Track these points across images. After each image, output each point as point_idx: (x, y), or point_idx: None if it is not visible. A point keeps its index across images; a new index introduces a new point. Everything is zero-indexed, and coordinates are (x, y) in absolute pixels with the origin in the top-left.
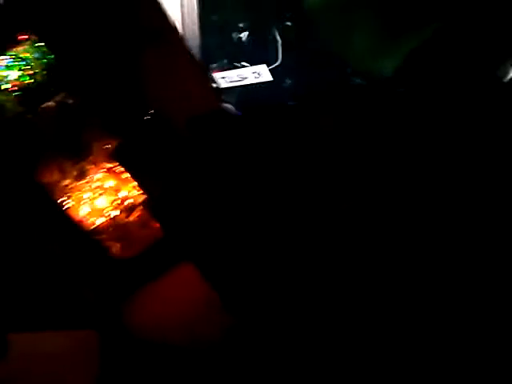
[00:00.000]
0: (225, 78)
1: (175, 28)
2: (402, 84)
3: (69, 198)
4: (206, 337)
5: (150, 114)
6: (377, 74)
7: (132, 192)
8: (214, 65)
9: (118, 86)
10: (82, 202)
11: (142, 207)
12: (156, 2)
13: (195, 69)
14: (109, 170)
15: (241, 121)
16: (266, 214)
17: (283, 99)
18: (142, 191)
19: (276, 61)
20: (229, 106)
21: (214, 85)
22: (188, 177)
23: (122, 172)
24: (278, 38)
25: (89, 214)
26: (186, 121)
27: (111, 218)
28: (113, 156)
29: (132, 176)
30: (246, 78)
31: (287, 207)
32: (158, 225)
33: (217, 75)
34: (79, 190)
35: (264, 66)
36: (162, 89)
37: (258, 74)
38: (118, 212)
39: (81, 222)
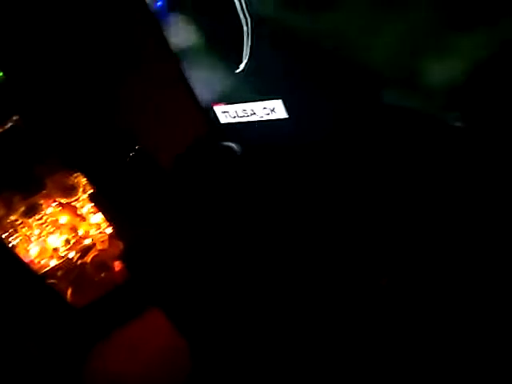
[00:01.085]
0: (226, 113)
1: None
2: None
3: (16, 235)
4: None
5: (136, 151)
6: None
7: (89, 231)
8: (216, 97)
9: (93, 119)
10: (32, 240)
11: (97, 248)
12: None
13: (184, 100)
14: (64, 206)
15: (240, 161)
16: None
17: (300, 140)
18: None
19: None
20: (230, 144)
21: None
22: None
23: (79, 208)
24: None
25: (39, 254)
26: (173, 157)
27: (65, 260)
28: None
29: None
30: (253, 113)
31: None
32: (117, 268)
33: (217, 109)
34: (29, 227)
35: (279, 101)
36: (146, 122)
37: (271, 110)
38: (73, 253)
39: (30, 263)
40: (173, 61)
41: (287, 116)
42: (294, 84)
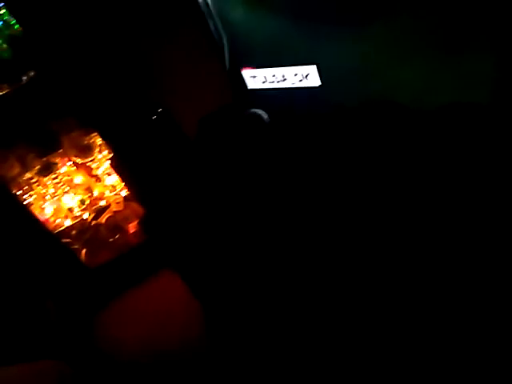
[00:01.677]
0: (256, 78)
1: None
2: None
3: (31, 194)
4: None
5: (159, 113)
6: None
7: (104, 192)
8: (248, 60)
9: (113, 78)
10: (46, 199)
11: (112, 210)
12: None
13: (212, 63)
14: (79, 166)
15: (267, 129)
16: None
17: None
18: (115, 192)
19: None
20: (258, 111)
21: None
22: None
23: (95, 168)
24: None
25: (54, 213)
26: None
27: (80, 220)
28: (112, 165)
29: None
30: (285, 79)
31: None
32: (132, 231)
33: (246, 73)
34: (44, 186)
35: (314, 66)
36: (174, 85)
37: (304, 76)
38: (87, 214)
39: (45, 222)
40: (202, 22)
41: (320, 83)
42: (331, 50)
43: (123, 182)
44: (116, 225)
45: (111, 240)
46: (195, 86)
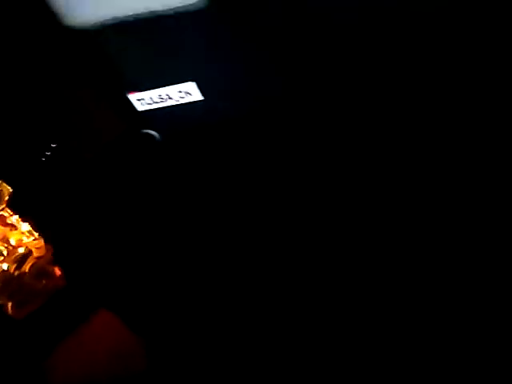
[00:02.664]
0: (142, 100)
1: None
2: None
3: None
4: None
5: (53, 149)
6: None
7: (22, 239)
8: (132, 85)
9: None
10: None
11: (35, 256)
12: None
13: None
14: None
15: (161, 146)
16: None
17: (215, 119)
18: (34, 237)
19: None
20: (151, 132)
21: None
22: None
23: (8, 216)
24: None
25: None
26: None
27: (1, 273)
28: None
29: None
30: (170, 98)
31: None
32: (57, 273)
33: (132, 97)
34: None
35: (193, 83)
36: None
37: (186, 93)
38: (7, 265)
39: None
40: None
41: (202, 98)
42: (206, 66)
43: (26, 220)
44: (41, 271)
45: (38, 287)
46: (87, 119)
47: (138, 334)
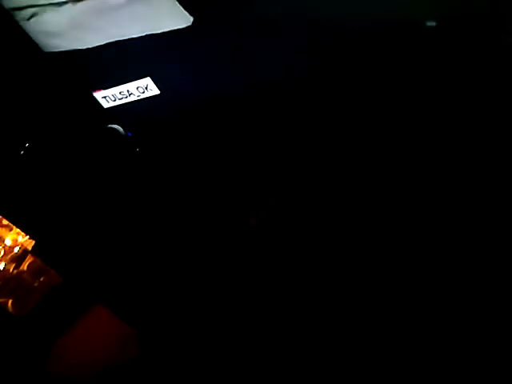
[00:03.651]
0: (107, 98)
1: None
2: None
3: None
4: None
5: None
6: None
7: (17, 239)
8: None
9: None
10: None
11: (33, 254)
12: None
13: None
14: None
15: (130, 142)
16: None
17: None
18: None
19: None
20: (116, 126)
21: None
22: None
23: (1, 218)
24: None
25: None
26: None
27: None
28: None
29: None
30: (130, 94)
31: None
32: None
33: (97, 95)
34: None
35: (148, 78)
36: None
37: (144, 88)
38: (4, 264)
39: None
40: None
41: (159, 92)
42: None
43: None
44: (39, 269)
45: (36, 284)
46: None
47: (132, 325)
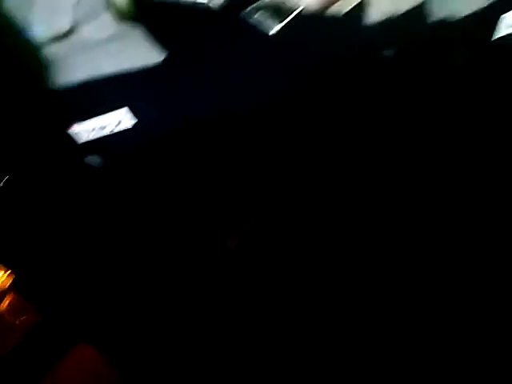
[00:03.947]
0: (80, 133)
1: None
2: None
3: None
4: None
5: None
6: None
7: None
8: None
9: None
10: None
11: (12, 292)
12: None
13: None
14: None
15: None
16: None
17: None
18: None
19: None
20: (91, 159)
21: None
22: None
23: None
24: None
25: None
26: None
27: None
28: None
29: None
30: (105, 126)
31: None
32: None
33: (72, 130)
34: None
35: (124, 109)
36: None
37: (119, 120)
38: None
39: None
40: None
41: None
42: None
43: None
44: (20, 306)
45: (18, 323)
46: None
47: (116, 366)
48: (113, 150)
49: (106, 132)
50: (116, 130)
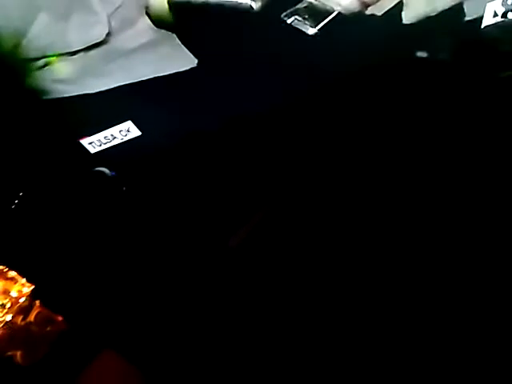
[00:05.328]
0: (92, 143)
1: None
2: None
3: None
4: None
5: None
6: None
7: (22, 290)
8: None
9: None
10: None
11: (39, 304)
12: None
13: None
14: None
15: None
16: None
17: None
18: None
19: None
20: (102, 168)
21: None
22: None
23: (7, 271)
24: None
25: None
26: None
27: (6, 324)
28: None
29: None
30: (115, 137)
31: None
32: (60, 318)
33: (84, 142)
34: None
35: (129, 122)
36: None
37: (126, 131)
38: (11, 316)
39: None
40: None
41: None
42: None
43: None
44: (46, 318)
45: (44, 333)
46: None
47: (142, 371)
48: (122, 158)
49: (115, 142)
50: (124, 140)
